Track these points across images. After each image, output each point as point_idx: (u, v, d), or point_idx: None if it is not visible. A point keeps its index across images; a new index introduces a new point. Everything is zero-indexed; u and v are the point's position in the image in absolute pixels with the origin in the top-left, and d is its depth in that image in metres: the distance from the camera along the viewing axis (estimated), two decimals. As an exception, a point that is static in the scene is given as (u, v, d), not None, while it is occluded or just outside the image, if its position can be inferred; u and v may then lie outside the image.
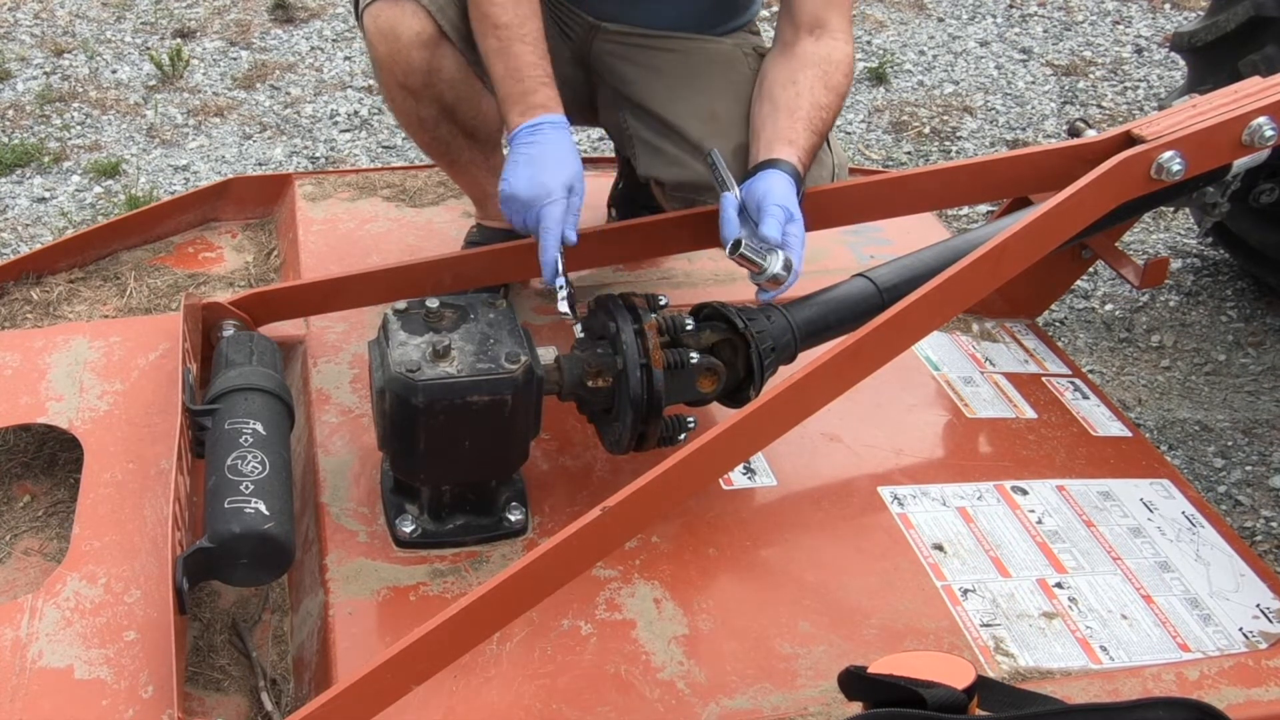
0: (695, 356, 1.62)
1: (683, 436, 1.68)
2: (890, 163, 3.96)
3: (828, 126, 1.80)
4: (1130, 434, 2.00)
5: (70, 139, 3.93)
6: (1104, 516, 1.78)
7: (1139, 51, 4.71)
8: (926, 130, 4.14)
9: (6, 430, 1.82)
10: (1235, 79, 1.99)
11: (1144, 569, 1.69)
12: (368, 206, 2.45)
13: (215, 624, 1.57)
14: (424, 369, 1.52)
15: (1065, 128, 4.05)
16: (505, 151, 1.76)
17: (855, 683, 1.12)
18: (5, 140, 3.88)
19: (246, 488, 1.48)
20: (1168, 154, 1.72)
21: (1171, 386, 2.95)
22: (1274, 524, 2.53)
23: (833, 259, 2.28)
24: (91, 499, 1.64)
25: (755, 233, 1.63)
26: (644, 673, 1.47)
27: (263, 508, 1.46)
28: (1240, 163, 1.86)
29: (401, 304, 1.65)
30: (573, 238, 1.67)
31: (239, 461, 1.51)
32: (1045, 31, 4.88)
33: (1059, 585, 1.64)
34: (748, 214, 1.66)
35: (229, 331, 1.84)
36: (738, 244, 1.60)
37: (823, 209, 1.85)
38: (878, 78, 4.45)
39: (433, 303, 1.63)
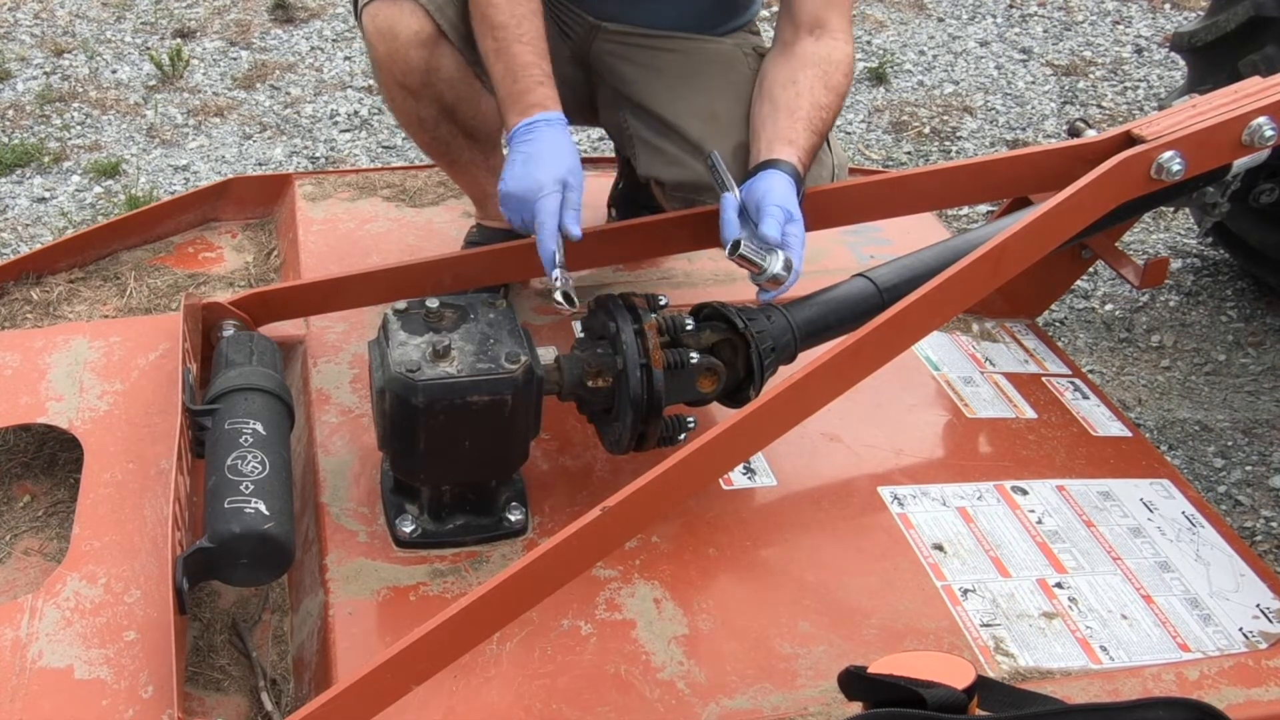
0: (695, 356, 1.63)
1: (683, 436, 1.68)
2: (890, 163, 3.96)
3: (828, 126, 1.80)
4: (1130, 434, 2.00)
5: (70, 139, 3.93)
6: (1104, 516, 1.78)
7: (1139, 51, 4.71)
8: (926, 130, 4.15)
9: (6, 430, 1.82)
10: (1235, 79, 1.99)
11: (1144, 569, 1.69)
12: (368, 206, 2.45)
13: (215, 624, 1.57)
14: (424, 369, 1.52)
15: (1065, 128, 4.05)
16: (505, 151, 1.76)
17: (855, 683, 1.12)
18: (5, 140, 3.88)
19: (246, 488, 1.48)
20: (1168, 154, 1.72)
21: (1171, 386, 2.95)
22: (1274, 524, 2.53)
23: (833, 259, 2.28)
24: (91, 499, 1.64)
25: (755, 233, 1.63)
26: (644, 673, 1.47)
27: (263, 508, 1.46)
28: (1240, 163, 1.86)
29: (401, 304, 1.65)
30: (575, 231, 1.65)
31: (239, 461, 1.51)
32: (1045, 31, 4.88)
33: (1059, 585, 1.64)
34: (748, 215, 1.66)
35: (229, 331, 1.84)
36: (737, 245, 1.60)
37: (823, 209, 1.85)
38: (878, 78, 4.45)
39: (433, 303, 1.63)
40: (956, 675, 1.10)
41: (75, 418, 1.77)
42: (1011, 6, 5.08)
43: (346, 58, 4.52)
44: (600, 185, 2.40)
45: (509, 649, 1.48)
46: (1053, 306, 2.89)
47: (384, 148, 3.94)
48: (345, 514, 1.68)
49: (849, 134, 4.11)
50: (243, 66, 4.44)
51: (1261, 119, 1.76)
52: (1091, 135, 1.91)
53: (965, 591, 1.61)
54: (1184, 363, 3.03)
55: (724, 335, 1.66)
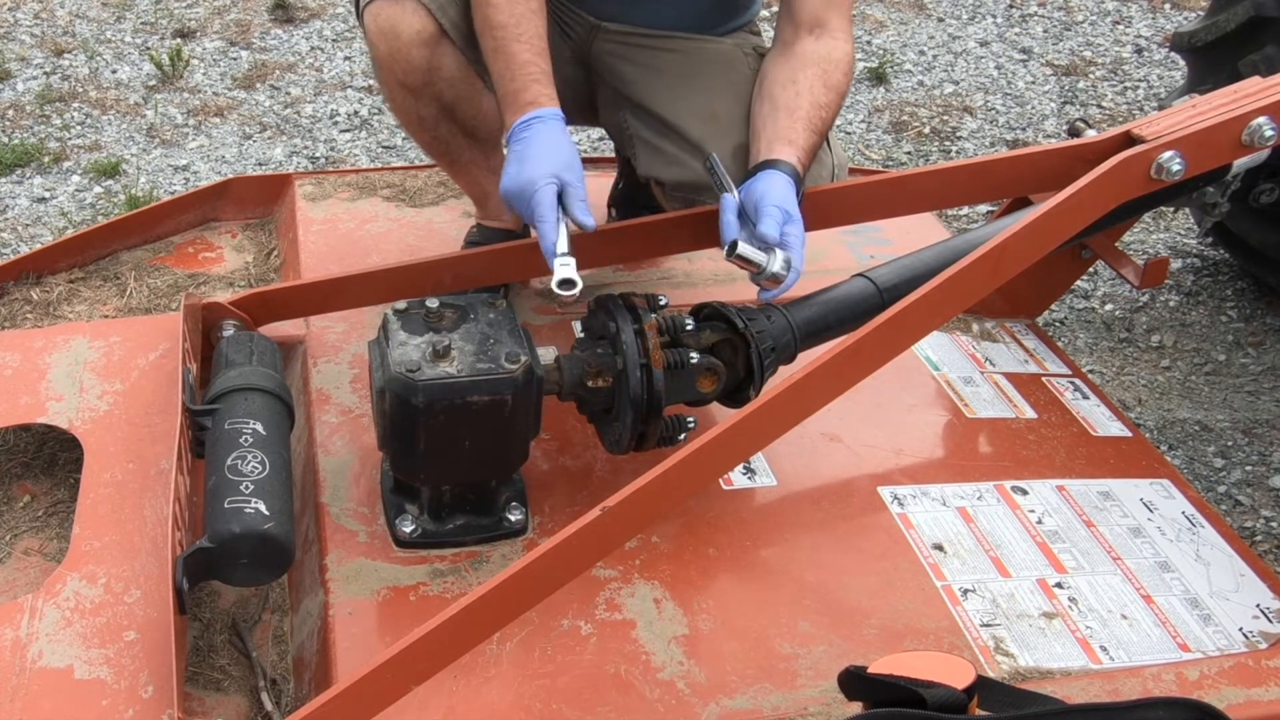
0: (695, 356, 1.62)
1: (683, 436, 1.68)
2: (890, 163, 3.96)
3: (827, 126, 1.80)
4: (1130, 434, 2.00)
5: (70, 139, 3.93)
6: (1104, 516, 1.78)
7: (1139, 51, 4.71)
8: (926, 130, 4.15)
9: (6, 430, 1.82)
10: (1235, 79, 1.99)
11: (1144, 569, 1.69)
12: (368, 206, 2.45)
13: (215, 624, 1.57)
14: (424, 369, 1.52)
15: (1065, 128, 4.05)
16: (505, 151, 1.75)
17: (855, 683, 1.12)
18: (5, 140, 3.88)
19: (246, 488, 1.47)
20: (1168, 154, 1.72)
21: (1171, 386, 2.95)
22: (1274, 524, 2.53)
23: (833, 259, 2.28)
24: (91, 499, 1.64)
25: (754, 233, 1.63)
26: (644, 673, 1.47)
27: (263, 508, 1.46)
28: (1240, 163, 1.86)
29: (401, 304, 1.65)
30: (587, 221, 1.62)
31: (239, 461, 1.51)
32: (1045, 31, 4.88)
33: (1059, 585, 1.64)
34: (747, 215, 1.66)
35: (229, 331, 1.84)
36: (734, 245, 1.60)
37: (823, 209, 1.85)
38: (878, 78, 4.45)
39: (433, 303, 1.63)
40: (956, 675, 1.10)
41: (75, 418, 1.77)
42: (1011, 6, 5.08)
43: (346, 58, 4.52)
44: (600, 185, 2.40)
45: (509, 649, 1.48)
46: (1053, 306, 2.89)
47: (384, 148, 3.94)
48: (345, 514, 1.68)
49: (849, 134, 4.11)
50: (243, 66, 4.44)
51: (1261, 119, 1.76)
52: (1091, 135, 1.91)
53: (965, 591, 1.61)
54: (1184, 363, 3.03)
55: (724, 335, 1.66)
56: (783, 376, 1.55)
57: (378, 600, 1.55)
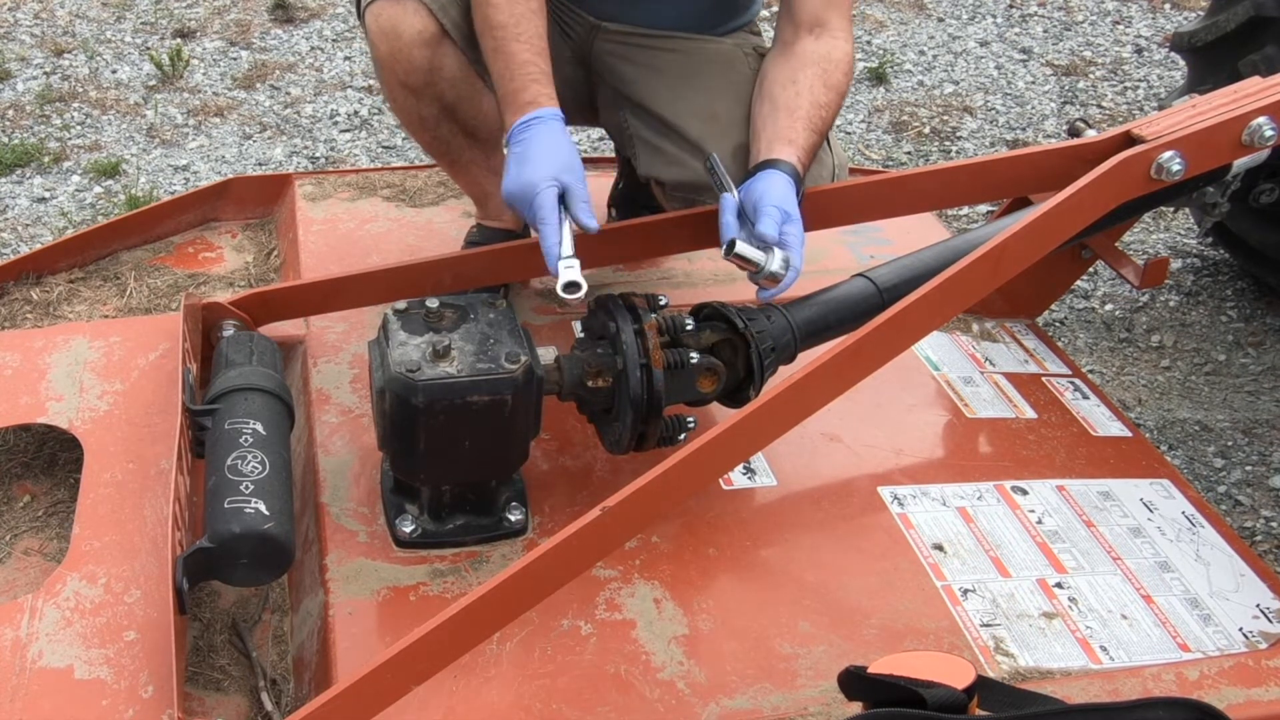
0: (695, 356, 1.62)
1: (683, 436, 1.68)
2: (890, 163, 3.96)
3: (827, 125, 1.80)
4: (1130, 434, 2.00)
5: (70, 139, 3.93)
6: (1104, 516, 1.78)
7: (1139, 51, 4.71)
8: (926, 130, 4.15)
9: (6, 430, 1.82)
10: (1235, 79, 1.99)
11: (1144, 569, 1.69)
12: (368, 206, 2.45)
13: (215, 624, 1.57)
14: (424, 369, 1.52)
15: (1065, 128, 4.05)
16: (505, 151, 1.75)
17: (855, 683, 1.12)
18: (5, 140, 3.88)
19: (246, 488, 1.47)
20: (1168, 154, 1.72)
21: (1171, 386, 2.95)
22: (1274, 524, 2.53)
23: (833, 259, 2.28)
24: (91, 499, 1.64)
25: (753, 233, 1.63)
26: (644, 673, 1.47)
27: (263, 508, 1.46)
28: (1240, 163, 1.86)
29: (401, 304, 1.65)
30: (589, 223, 1.61)
31: (239, 461, 1.51)
32: (1045, 31, 4.88)
33: (1059, 585, 1.64)
34: (746, 215, 1.66)
35: (229, 331, 1.84)
36: (732, 244, 1.60)
37: (823, 209, 1.85)
38: (878, 78, 4.45)
39: (433, 303, 1.63)
40: (956, 675, 1.10)
41: (75, 418, 1.77)
42: (1011, 6, 5.08)
43: (346, 58, 4.52)
44: (600, 185, 2.40)
45: (509, 649, 1.48)
46: (1053, 306, 2.89)
47: (384, 148, 3.94)
48: (345, 514, 1.68)
49: (849, 134, 4.11)
50: (243, 66, 4.44)
51: (1261, 119, 1.76)
52: (1091, 135, 1.91)
53: (965, 591, 1.61)
54: (1184, 363, 3.03)
55: (724, 335, 1.66)
56: (783, 376, 1.55)
57: (378, 600, 1.55)
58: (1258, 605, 1.65)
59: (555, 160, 1.64)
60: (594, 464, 1.80)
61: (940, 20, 4.97)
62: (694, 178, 1.90)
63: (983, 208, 3.45)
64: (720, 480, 1.77)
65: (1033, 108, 4.31)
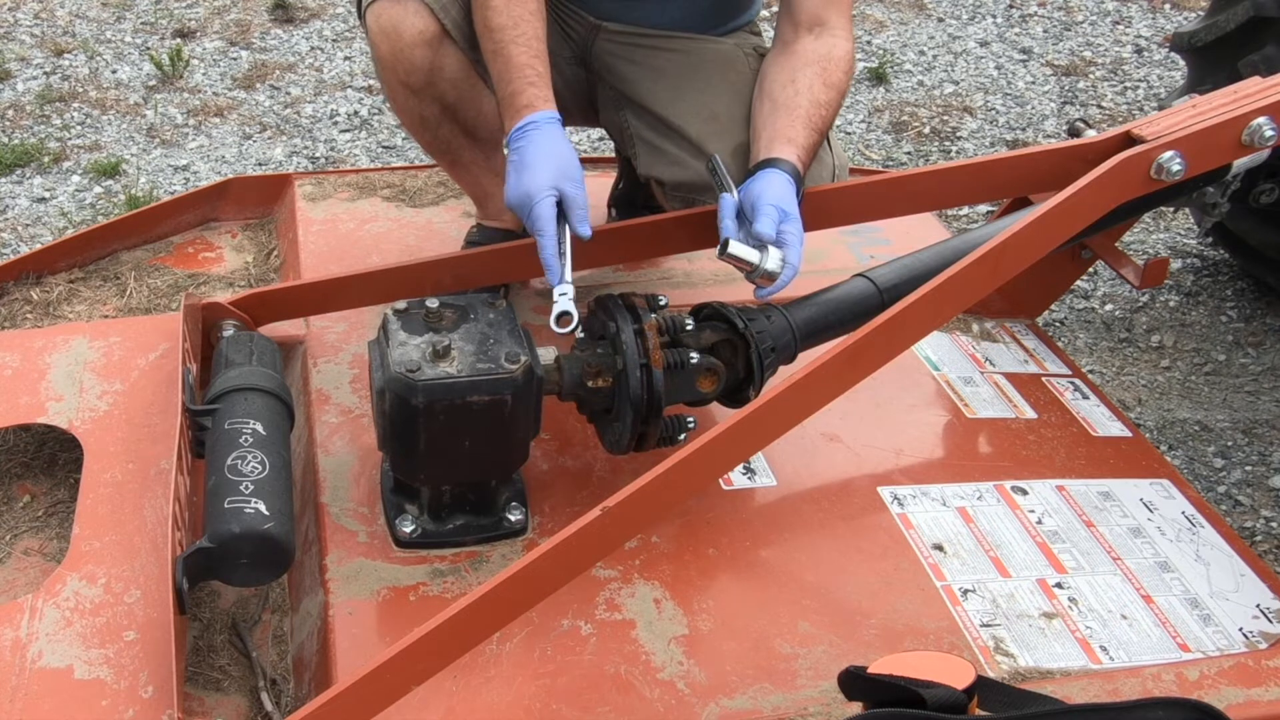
0: (695, 356, 1.62)
1: (683, 436, 1.68)
2: (890, 163, 3.96)
3: (828, 124, 1.80)
4: (1130, 434, 2.00)
5: (70, 139, 3.93)
6: (1104, 516, 1.78)
7: (1139, 51, 4.71)
8: (926, 130, 4.15)
9: (6, 430, 1.82)
10: (1235, 79, 1.99)
11: (1144, 569, 1.69)
12: (368, 206, 2.45)
13: (215, 624, 1.57)
14: (424, 369, 1.52)
15: (1065, 128, 4.05)
16: (506, 153, 1.76)
17: (855, 683, 1.12)
18: (5, 140, 3.88)
19: (246, 488, 1.47)
20: (1168, 154, 1.72)
21: (1171, 386, 2.96)
22: (1274, 524, 2.53)
23: (833, 259, 2.28)
24: (91, 499, 1.64)
25: (750, 232, 1.63)
26: (644, 673, 1.47)
27: (263, 508, 1.46)
28: (1240, 163, 1.86)
29: (401, 304, 1.65)
30: (582, 230, 1.64)
31: (239, 461, 1.51)
32: (1045, 31, 4.88)
33: (1059, 585, 1.64)
34: (745, 215, 1.66)
35: (229, 331, 1.84)
36: (725, 244, 1.60)
37: (823, 209, 1.85)
38: (878, 78, 4.45)
39: (433, 303, 1.63)
40: (956, 675, 1.10)
41: (75, 418, 1.77)
42: (1011, 6, 5.08)
43: (346, 58, 4.52)
44: (600, 185, 2.40)
45: (509, 649, 1.48)
46: (1053, 306, 2.89)
47: (384, 148, 3.94)
48: (345, 514, 1.68)
49: (849, 134, 4.11)
50: (243, 66, 4.44)
51: (1261, 119, 1.76)
52: (1091, 135, 1.92)
53: (965, 591, 1.61)
54: (1184, 363, 3.03)
55: (724, 335, 1.66)
56: (783, 376, 1.55)
57: (378, 600, 1.55)
58: (1258, 605, 1.65)
59: (552, 166, 1.65)
60: (594, 464, 1.80)
61: (940, 20, 4.97)
62: (694, 178, 1.90)
63: (983, 208, 3.45)
64: (720, 480, 1.77)
65: (1033, 108, 4.31)
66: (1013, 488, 1.81)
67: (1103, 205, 1.74)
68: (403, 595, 1.56)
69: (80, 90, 4.22)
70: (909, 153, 4.01)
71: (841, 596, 1.61)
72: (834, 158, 1.94)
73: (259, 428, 1.57)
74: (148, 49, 4.49)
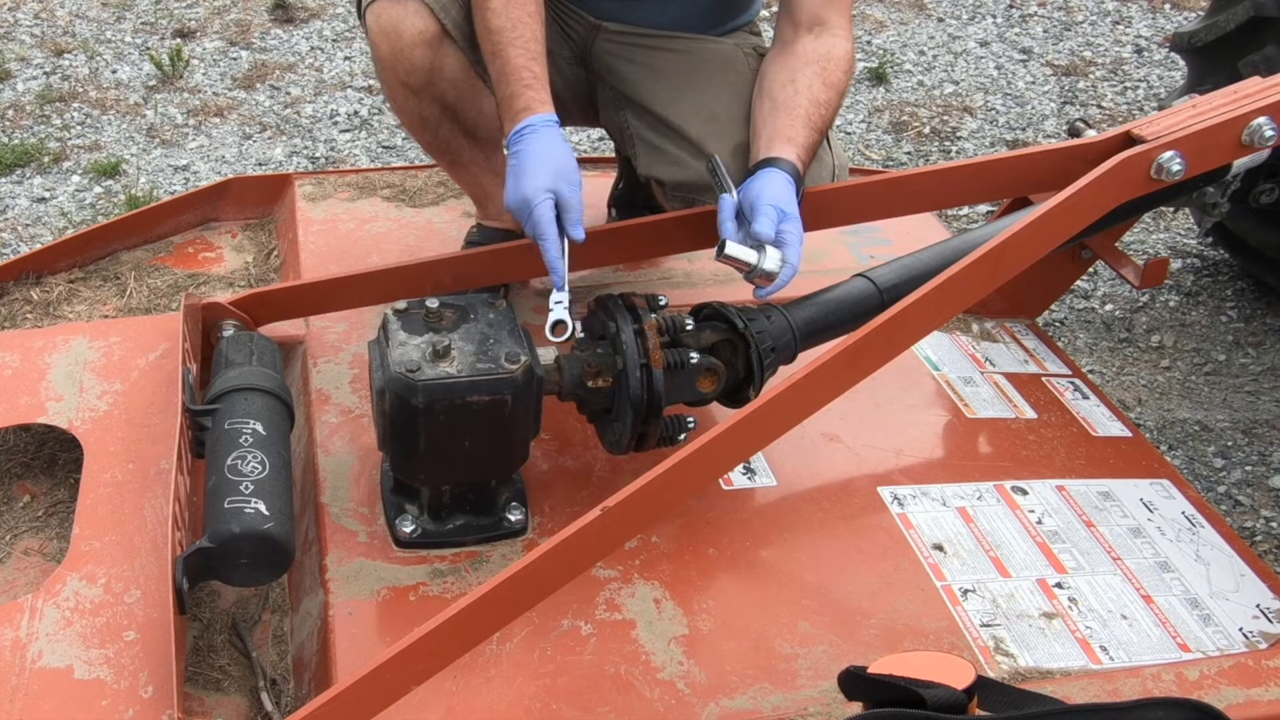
0: (695, 356, 1.63)
1: (683, 436, 1.68)
2: (890, 163, 3.96)
3: (827, 123, 1.80)
4: (1130, 434, 2.00)
5: (70, 139, 3.93)
6: (1104, 516, 1.78)
7: (1139, 51, 4.71)
8: (926, 130, 4.14)
9: (6, 430, 1.82)
10: (1235, 79, 1.99)
11: (1144, 569, 1.69)
12: (368, 206, 2.45)
13: (215, 624, 1.57)
14: (424, 369, 1.52)
15: (1065, 128, 4.05)
16: (506, 153, 1.76)
17: (855, 683, 1.12)
18: (5, 140, 3.88)
19: (246, 488, 1.47)
20: (1168, 154, 1.72)
21: (1171, 386, 2.95)
22: (1274, 524, 2.53)
23: (833, 259, 2.28)
24: (91, 499, 1.64)
25: (749, 233, 1.63)
26: (644, 673, 1.47)
27: (263, 508, 1.46)
28: (1240, 163, 1.86)
29: (401, 304, 1.65)
30: (576, 234, 1.65)
31: (239, 461, 1.51)
32: (1045, 31, 4.88)
33: (1059, 585, 1.64)
34: (744, 215, 1.66)
35: (229, 331, 1.84)
36: (722, 245, 1.61)
37: (823, 209, 1.85)
38: (878, 78, 4.45)
39: (433, 303, 1.63)
40: (956, 675, 1.10)
41: (75, 418, 1.77)
42: (1011, 6, 5.08)
43: (346, 58, 4.52)
44: (600, 185, 2.41)
45: (509, 649, 1.48)
46: (1053, 306, 2.89)
47: (384, 148, 3.94)
48: (345, 514, 1.68)
49: (849, 134, 4.11)
50: (243, 66, 4.44)
51: (1261, 119, 1.76)
52: (1091, 135, 1.92)
53: (965, 591, 1.61)
54: (1184, 363, 3.03)
55: (724, 335, 1.66)
56: (783, 376, 1.55)
57: (378, 600, 1.55)
58: (1258, 605, 1.65)
59: (549, 169, 1.66)
60: (594, 464, 1.80)
61: (940, 20, 4.97)
62: (694, 178, 1.90)
63: (983, 208, 3.45)
64: (720, 480, 1.77)
65: (1033, 108, 4.31)
66: (1013, 488, 1.81)
67: (1103, 205, 1.74)
68: (403, 595, 1.56)
69: (80, 90, 4.22)
70: (909, 153, 4.01)
71: (841, 596, 1.61)
72: (834, 157, 1.94)
73: (259, 428, 1.57)
74: (148, 49, 4.49)
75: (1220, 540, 1.77)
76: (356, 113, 4.14)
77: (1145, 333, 3.14)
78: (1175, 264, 3.38)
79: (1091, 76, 4.52)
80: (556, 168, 1.67)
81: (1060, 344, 2.65)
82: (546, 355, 1.64)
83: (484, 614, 1.35)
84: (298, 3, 4.88)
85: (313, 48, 4.59)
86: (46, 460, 1.83)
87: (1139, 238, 3.48)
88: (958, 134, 4.13)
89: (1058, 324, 3.16)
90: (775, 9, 1.94)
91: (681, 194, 1.95)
